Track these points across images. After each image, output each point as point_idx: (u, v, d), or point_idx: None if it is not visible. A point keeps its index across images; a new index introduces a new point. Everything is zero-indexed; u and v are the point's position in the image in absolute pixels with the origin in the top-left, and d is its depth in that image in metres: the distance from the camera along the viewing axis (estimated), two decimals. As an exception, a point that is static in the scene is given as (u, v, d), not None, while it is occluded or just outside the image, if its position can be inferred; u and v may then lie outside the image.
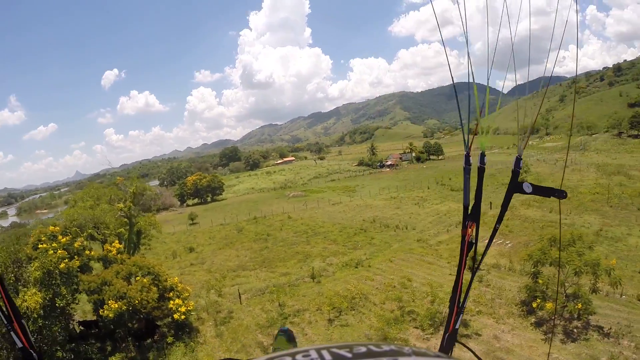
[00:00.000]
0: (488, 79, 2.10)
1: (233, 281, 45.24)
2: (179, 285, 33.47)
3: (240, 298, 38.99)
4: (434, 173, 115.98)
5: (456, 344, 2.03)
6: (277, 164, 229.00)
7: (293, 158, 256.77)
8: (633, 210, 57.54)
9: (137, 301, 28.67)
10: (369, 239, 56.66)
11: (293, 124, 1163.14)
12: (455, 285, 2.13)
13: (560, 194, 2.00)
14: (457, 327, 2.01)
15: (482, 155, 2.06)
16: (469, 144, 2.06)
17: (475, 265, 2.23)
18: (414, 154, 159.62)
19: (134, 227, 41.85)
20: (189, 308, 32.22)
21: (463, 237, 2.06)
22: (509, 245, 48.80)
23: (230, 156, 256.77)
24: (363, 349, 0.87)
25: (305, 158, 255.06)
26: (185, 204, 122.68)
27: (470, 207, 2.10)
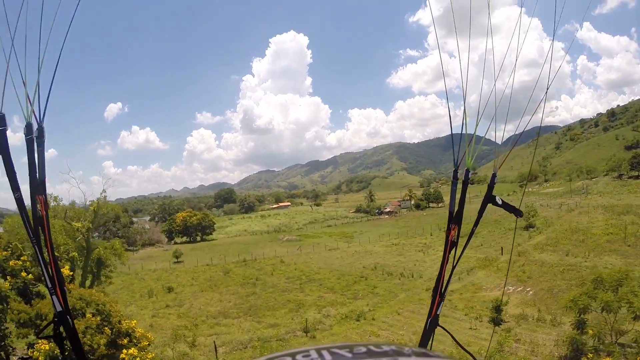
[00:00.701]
0: (477, 124, 2.36)
1: (211, 330, 38.51)
2: (137, 330, 26.43)
3: (216, 352, 31.92)
4: (435, 220, 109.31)
5: (437, 328, 2.22)
6: (273, 208, 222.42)
7: (289, 203, 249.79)
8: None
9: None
10: (370, 287, 49.98)
11: (290, 171, 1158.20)
12: (438, 276, 2.36)
13: (517, 212, 2.30)
14: (438, 312, 2.22)
15: (467, 172, 2.28)
16: (458, 162, 2.30)
17: (455, 262, 2.40)
18: (412, 202, 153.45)
19: (92, 252, 34.84)
20: (149, 361, 24.98)
21: (447, 237, 2.30)
22: (531, 292, 43.33)
23: (225, 198, 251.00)
24: (363, 349, 0.87)
25: (302, 204, 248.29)
26: (172, 241, 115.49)
27: (454, 213, 2.33)
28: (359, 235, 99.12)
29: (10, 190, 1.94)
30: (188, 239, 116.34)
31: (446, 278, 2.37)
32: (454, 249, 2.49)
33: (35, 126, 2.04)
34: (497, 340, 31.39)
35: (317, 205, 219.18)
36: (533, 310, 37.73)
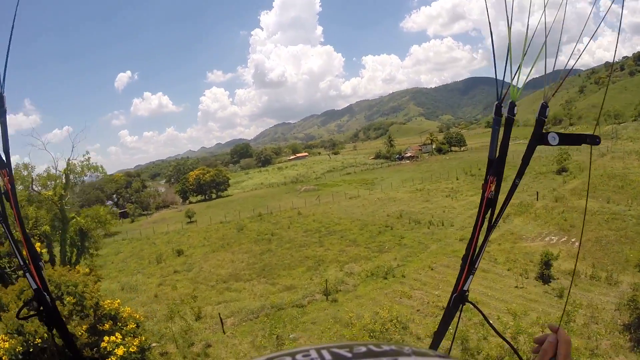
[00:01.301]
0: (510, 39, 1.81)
1: (220, 296, 33.85)
2: (125, 310, 21.72)
3: (222, 324, 27.19)
4: (459, 164, 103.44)
5: (466, 304, 1.87)
6: (290, 159, 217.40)
7: (306, 154, 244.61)
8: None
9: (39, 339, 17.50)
10: (397, 238, 44.66)
11: (306, 122, 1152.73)
12: (469, 243, 1.88)
13: (592, 139, 1.74)
14: (465, 288, 1.84)
15: (512, 105, 1.79)
16: (502, 95, 1.83)
17: (492, 224, 1.86)
18: (434, 146, 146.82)
19: (69, 224, 29.84)
20: (136, 346, 20.21)
21: (483, 192, 1.84)
22: (577, 243, 37.73)
23: (241, 153, 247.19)
24: (363, 349, 0.86)
25: (319, 154, 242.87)
26: (187, 201, 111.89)
27: (495, 160, 1.85)
28: (380, 181, 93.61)
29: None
30: (203, 197, 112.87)
31: (480, 244, 1.80)
32: (490, 208, 1.87)
33: None
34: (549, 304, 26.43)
35: (335, 153, 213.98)
36: (583, 265, 32.54)
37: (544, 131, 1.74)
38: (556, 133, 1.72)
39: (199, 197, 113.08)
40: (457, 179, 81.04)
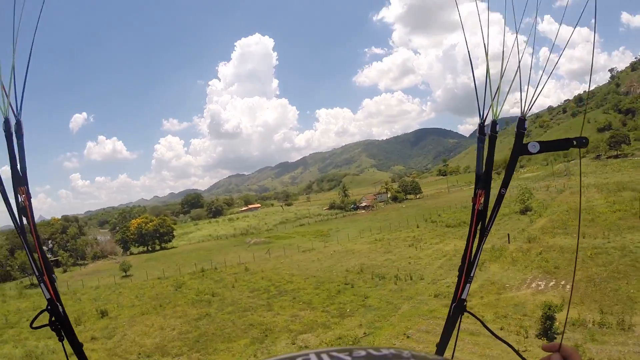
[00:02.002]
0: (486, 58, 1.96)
1: (136, 382, 25.91)
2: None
3: None
4: (417, 211, 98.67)
5: (464, 313, 1.92)
6: (242, 211, 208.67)
7: (259, 205, 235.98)
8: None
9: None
10: (360, 298, 37.85)
11: (260, 174, 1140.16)
12: (464, 254, 2.00)
13: (580, 141, 1.75)
14: (464, 297, 1.92)
15: (494, 124, 1.91)
16: (484, 115, 1.94)
17: (485, 232, 1.98)
18: (389, 194, 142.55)
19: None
20: None
21: (473, 205, 1.95)
22: (568, 286, 33.78)
23: (192, 203, 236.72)
24: (362, 353, 0.87)
25: (272, 205, 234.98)
26: (128, 252, 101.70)
27: (482, 175, 1.98)
28: (336, 232, 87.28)
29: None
30: (145, 249, 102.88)
31: (473, 254, 1.92)
32: (480, 221, 2.00)
33: (13, 121, 1.93)
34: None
35: (289, 205, 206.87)
36: (586, 311, 27.74)
37: (524, 142, 1.79)
38: (537, 142, 1.76)
39: (141, 248, 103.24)
40: (418, 227, 75.95)
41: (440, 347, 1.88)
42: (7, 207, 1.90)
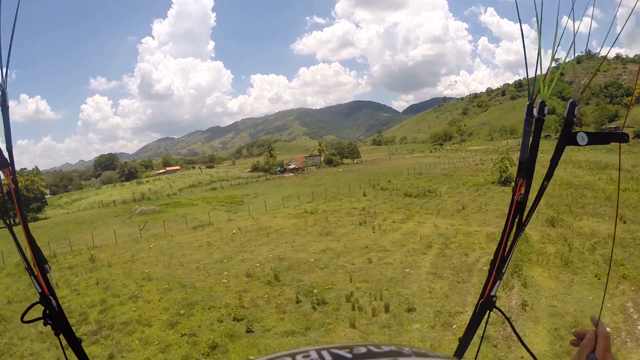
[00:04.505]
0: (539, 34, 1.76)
1: None
2: None
3: None
4: (359, 176, 76.08)
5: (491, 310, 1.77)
6: (159, 173, 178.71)
7: (178, 167, 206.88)
8: None
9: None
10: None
11: (190, 138, 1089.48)
12: (498, 247, 1.77)
13: (621, 137, 1.63)
14: (493, 293, 1.72)
15: (543, 105, 1.68)
16: (534, 94, 1.73)
17: (521, 226, 1.78)
18: (323, 158, 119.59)
19: None
20: None
21: (513, 195, 1.73)
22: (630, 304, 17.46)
23: (106, 165, 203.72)
24: (363, 350, 0.84)
25: (193, 168, 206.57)
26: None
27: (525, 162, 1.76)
28: (253, 199, 63.11)
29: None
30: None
31: (507, 249, 1.75)
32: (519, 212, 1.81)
33: None
34: None
35: (210, 167, 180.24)
36: None
37: (573, 131, 1.62)
38: (585, 133, 1.57)
39: (-3, 221, 74.34)
40: (365, 195, 52.84)
41: (463, 344, 1.70)
42: None
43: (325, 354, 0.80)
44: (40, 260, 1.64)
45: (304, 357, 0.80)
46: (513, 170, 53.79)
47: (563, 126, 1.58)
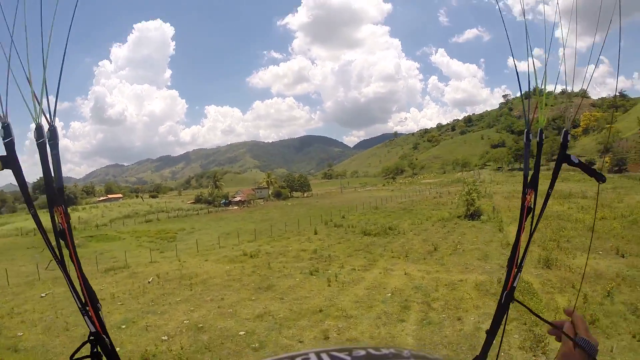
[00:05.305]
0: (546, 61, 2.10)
1: None
2: None
3: None
4: (309, 211, 68.83)
5: (514, 302, 1.94)
6: (100, 200, 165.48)
7: (121, 195, 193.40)
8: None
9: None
10: None
11: (140, 166, 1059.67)
12: (514, 246, 1.98)
13: (598, 176, 1.92)
14: (514, 285, 1.91)
15: (541, 132, 2.00)
16: (529, 122, 2.05)
17: (532, 227, 2.00)
18: (271, 190, 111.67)
19: None
20: None
21: (523, 202, 2.00)
22: None
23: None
24: (362, 352, 0.86)
25: (136, 196, 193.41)
26: None
27: (529, 176, 2.05)
28: (187, 235, 54.42)
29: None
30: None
31: (522, 247, 1.94)
32: (529, 215, 2.07)
33: (46, 127, 1.55)
34: None
35: (153, 197, 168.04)
36: None
37: (567, 152, 1.91)
38: (575, 156, 1.89)
39: None
40: (317, 233, 45.20)
41: (491, 334, 1.81)
42: (41, 233, 1.48)
43: (324, 356, 0.81)
44: (93, 299, 1.54)
45: (303, 359, 0.81)
46: (481, 203, 51.53)
47: (560, 149, 1.85)
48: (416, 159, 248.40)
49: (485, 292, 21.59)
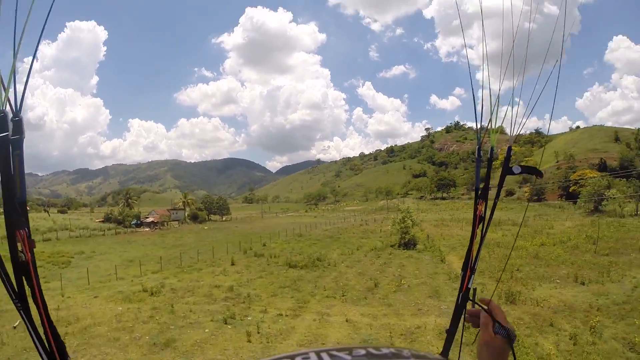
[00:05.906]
0: (502, 79, 2.30)
1: None
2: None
3: None
4: (227, 236, 62.72)
5: (469, 301, 2.04)
6: None
7: (27, 209, 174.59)
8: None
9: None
10: None
11: (56, 177, 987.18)
12: (468, 251, 2.15)
13: (538, 172, 2.13)
14: (469, 286, 2.07)
15: (492, 150, 2.21)
16: (481, 139, 2.20)
17: (482, 236, 2.15)
18: (188, 212, 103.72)
19: None
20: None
21: (475, 212, 2.15)
22: None
23: None
24: (362, 352, 0.86)
25: (44, 211, 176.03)
26: None
27: (480, 189, 2.20)
28: (85, 260, 46.51)
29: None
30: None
31: (474, 252, 2.10)
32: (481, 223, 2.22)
33: (10, 116, 1.25)
34: None
35: (62, 212, 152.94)
36: None
37: (510, 165, 2.03)
38: (518, 165, 2.01)
39: None
40: (234, 264, 39.30)
41: (450, 335, 1.94)
42: None
43: (324, 356, 0.81)
44: (62, 353, 1.30)
45: (303, 358, 0.80)
46: (415, 231, 49.80)
47: (504, 162, 1.99)
48: (339, 186, 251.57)
49: (455, 342, 17.09)
